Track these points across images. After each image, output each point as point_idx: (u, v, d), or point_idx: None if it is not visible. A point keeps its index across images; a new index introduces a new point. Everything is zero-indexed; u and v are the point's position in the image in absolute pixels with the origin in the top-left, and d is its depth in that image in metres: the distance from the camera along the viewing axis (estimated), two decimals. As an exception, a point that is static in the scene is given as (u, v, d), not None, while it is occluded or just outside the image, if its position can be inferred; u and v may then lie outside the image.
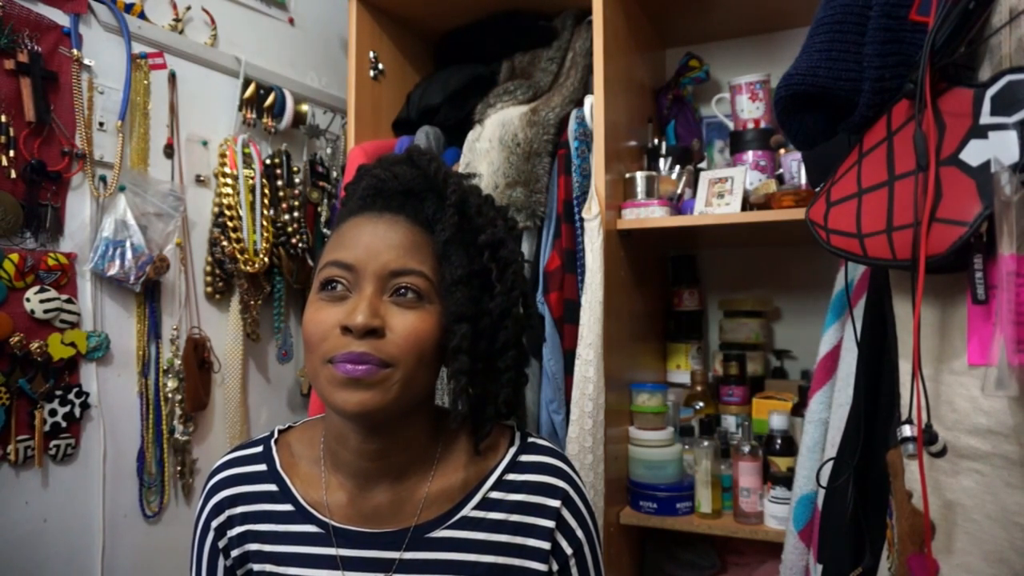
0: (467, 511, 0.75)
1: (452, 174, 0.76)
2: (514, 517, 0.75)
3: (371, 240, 0.71)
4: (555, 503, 0.76)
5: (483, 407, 0.76)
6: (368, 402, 0.67)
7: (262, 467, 0.79)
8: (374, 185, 0.74)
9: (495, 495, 0.76)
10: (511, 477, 0.77)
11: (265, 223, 1.49)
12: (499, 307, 0.75)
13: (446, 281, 0.71)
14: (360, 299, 0.69)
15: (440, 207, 0.74)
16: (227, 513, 0.77)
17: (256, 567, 0.76)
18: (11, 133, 1.09)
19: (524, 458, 0.78)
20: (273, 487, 0.77)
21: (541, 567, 0.75)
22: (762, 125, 1.45)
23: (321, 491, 0.76)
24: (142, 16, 1.33)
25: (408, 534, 0.74)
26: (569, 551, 0.76)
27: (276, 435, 0.82)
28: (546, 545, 0.75)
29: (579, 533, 0.77)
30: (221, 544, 0.77)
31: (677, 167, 1.50)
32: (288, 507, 0.76)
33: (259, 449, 0.81)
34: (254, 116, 1.53)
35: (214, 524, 0.78)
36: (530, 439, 0.81)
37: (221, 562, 0.78)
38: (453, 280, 0.71)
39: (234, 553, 0.77)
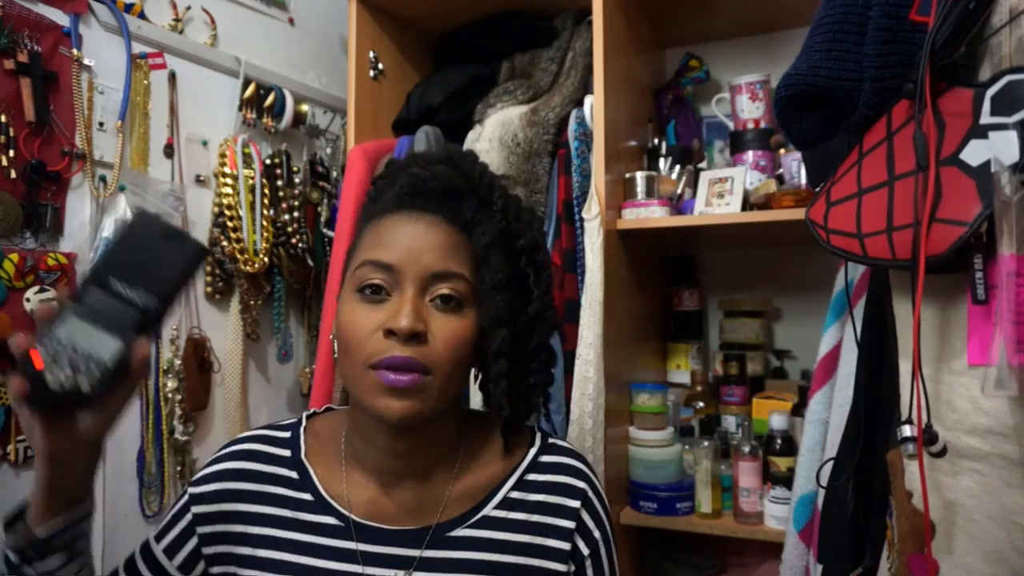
0: (489, 510, 0.75)
1: (495, 177, 0.76)
2: (535, 517, 0.75)
3: (411, 241, 0.70)
4: (575, 503, 0.76)
5: (515, 407, 0.76)
6: (409, 409, 0.67)
7: (286, 452, 0.78)
8: (413, 184, 0.72)
9: (516, 495, 0.76)
10: (532, 477, 0.77)
11: (265, 223, 1.49)
12: (535, 311, 0.75)
13: (486, 285, 0.71)
14: (403, 301, 0.68)
15: (479, 209, 0.73)
16: (230, 486, 0.76)
17: (261, 552, 0.74)
18: (11, 133, 1.09)
19: (545, 459, 0.78)
20: (293, 474, 0.76)
21: (561, 567, 0.74)
22: (762, 125, 1.45)
23: (342, 485, 0.76)
24: (142, 16, 1.33)
25: (429, 532, 0.73)
26: (586, 551, 0.76)
27: (304, 422, 0.81)
28: (566, 546, 0.75)
29: (596, 534, 0.77)
30: (199, 510, 0.75)
31: (677, 167, 1.49)
32: (307, 496, 0.75)
33: (287, 434, 0.80)
34: (254, 116, 1.53)
35: (211, 487, 0.76)
36: (550, 440, 0.81)
37: (190, 531, 0.76)
38: (494, 284, 0.71)
39: (209, 529, 0.75)
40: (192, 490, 0.77)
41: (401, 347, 0.66)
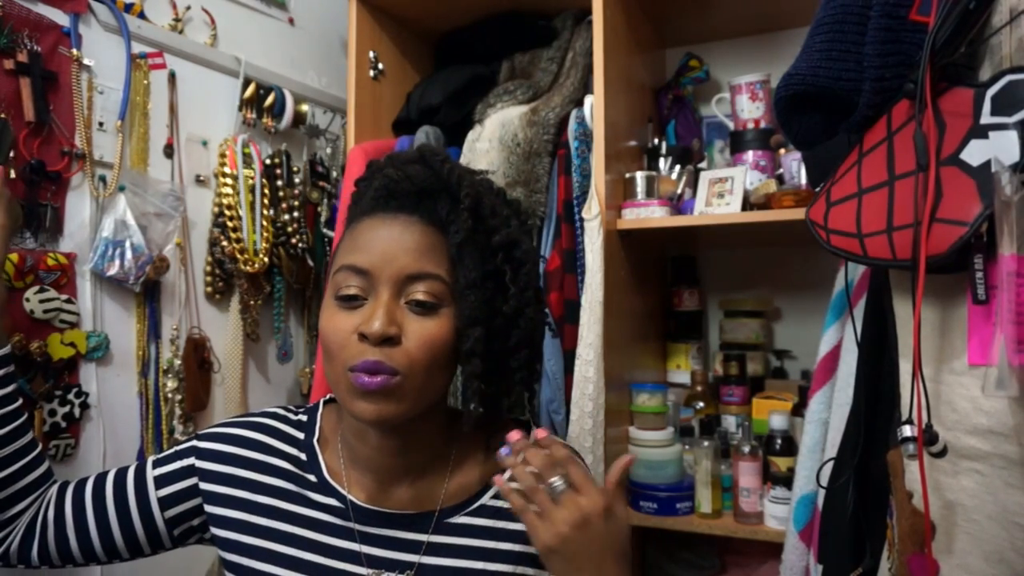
0: (486, 500, 0.78)
1: (465, 173, 0.76)
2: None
3: (386, 245, 0.71)
4: None
5: (496, 405, 0.77)
6: (384, 411, 0.68)
7: (300, 434, 0.81)
8: (387, 185, 0.73)
9: (512, 485, 0.77)
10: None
11: (265, 223, 1.49)
12: (512, 308, 0.75)
13: (460, 284, 0.71)
14: (377, 305, 0.69)
15: (453, 208, 0.73)
16: (238, 451, 0.78)
17: (261, 521, 0.76)
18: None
19: None
20: (302, 455, 0.79)
21: None
22: (762, 125, 1.45)
23: (343, 479, 0.78)
24: (142, 16, 1.33)
25: (434, 517, 0.76)
26: None
27: (321, 408, 0.84)
28: None
29: None
30: (204, 465, 0.78)
31: (677, 167, 1.49)
32: (311, 477, 0.78)
33: (304, 417, 0.83)
34: (254, 116, 1.53)
35: (216, 446, 0.78)
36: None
37: (187, 472, 0.78)
38: (467, 283, 0.71)
39: (207, 487, 0.77)
40: (198, 444, 0.79)
41: (373, 351, 0.68)
